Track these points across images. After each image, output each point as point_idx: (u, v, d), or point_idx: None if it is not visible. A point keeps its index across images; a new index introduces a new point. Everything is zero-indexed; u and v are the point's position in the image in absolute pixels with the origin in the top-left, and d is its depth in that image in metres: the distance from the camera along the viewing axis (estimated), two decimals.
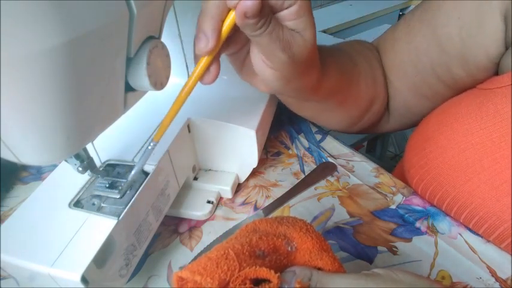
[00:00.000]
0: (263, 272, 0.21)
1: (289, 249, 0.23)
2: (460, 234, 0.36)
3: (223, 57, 0.33)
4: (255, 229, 0.25)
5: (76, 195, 0.30)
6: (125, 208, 0.28)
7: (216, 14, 0.26)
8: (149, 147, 0.29)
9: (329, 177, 0.43)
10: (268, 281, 0.21)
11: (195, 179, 0.42)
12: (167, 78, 0.26)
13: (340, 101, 0.42)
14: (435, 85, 0.42)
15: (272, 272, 0.21)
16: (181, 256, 0.36)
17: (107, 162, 0.33)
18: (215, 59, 0.28)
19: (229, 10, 0.26)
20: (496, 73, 0.36)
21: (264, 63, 0.30)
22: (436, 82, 0.41)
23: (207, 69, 0.28)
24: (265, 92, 0.34)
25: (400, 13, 1.70)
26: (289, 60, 0.29)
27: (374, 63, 0.45)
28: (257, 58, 0.30)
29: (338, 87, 0.40)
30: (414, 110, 0.46)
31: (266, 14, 0.25)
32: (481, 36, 0.35)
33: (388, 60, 0.46)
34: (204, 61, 0.27)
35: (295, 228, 0.24)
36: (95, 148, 0.31)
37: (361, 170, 0.44)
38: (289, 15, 0.27)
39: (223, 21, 0.26)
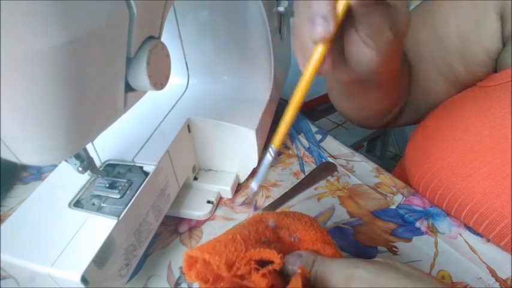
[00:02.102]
0: (267, 253, 0.22)
1: (292, 239, 0.25)
2: (460, 234, 0.36)
3: (225, 57, 0.33)
4: (261, 219, 0.26)
5: (76, 195, 0.30)
6: (125, 208, 0.28)
7: None
8: (270, 157, 0.26)
9: (329, 177, 0.43)
10: (272, 263, 0.22)
11: (195, 179, 0.42)
12: (167, 78, 0.26)
13: (387, 91, 0.42)
14: (437, 81, 0.42)
15: (275, 252, 0.22)
16: (181, 256, 0.36)
17: (107, 162, 0.33)
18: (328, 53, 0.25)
19: None
20: (495, 69, 0.37)
21: (366, 45, 0.28)
22: (438, 78, 0.42)
23: (324, 60, 0.25)
24: (344, 79, 0.32)
25: None
26: (393, 39, 0.27)
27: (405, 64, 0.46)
28: (356, 42, 0.28)
29: (394, 75, 0.39)
30: (416, 104, 0.47)
31: None
32: (478, 33, 0.36)
33: None
34: (320, 50, 0.24)
35: (301, 222, 0.26)
36: (95, 148, 0.31)
37: (361, 170, 0.44)
38: None
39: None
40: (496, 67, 0.37)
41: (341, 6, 0.24)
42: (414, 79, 0.45)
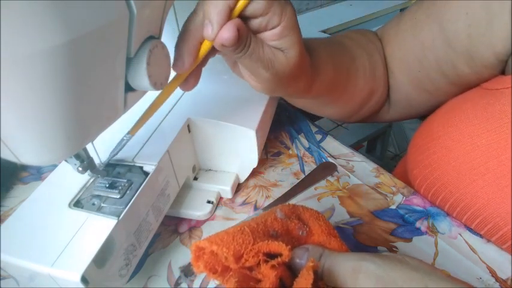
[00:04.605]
0: (275, 246, 0.22)
1: (300, 233, 0.25)
2: (460, 234, 0.36)
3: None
4: (272, 210, 0.26)
5: (76, 195, 0.30)
6: (125, 208, 0.28)
7: (193, 40, 0.27)
8: (124, 139, 0.29)
9: (329, 177, 0.43)
10: (280, 255, 0.22)
11: (195, 179, 0.42)
12: (167, 78, 0.26)
13: (335, 97, 0.42)
14: (438, 80, 0.41)
15: (283, 245, 0.22)
16: (181, 256, 0.36)
17: (107, 162, 0.33)
18: (195, 72, 0.30)
19: None
20: (502, 71, 0.36)
21: (249, 76, 0.31)
22: (440, 78, 0.40)
23: (186, 79, 0.29)
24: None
25: None
26: (272, 77, 0.29)
27: (375, 56, 0.45)
28: (243, 70, 0.31)
29: (333, 85, 0.40)
30: (415, 102, 0.46)
31: (244, 40, 0.26)
32: (489, 34, 0.34)
33: (391, 53, 0.45)
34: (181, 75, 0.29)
35: (306, 215, 0.26)
36: (95, 148, 0.31)
37: (361, 170, 0.44)
38: (272, 35, 0.28)
39: (201, 43, 0.27)
40: (503, 69, 0.35)
41: (204, 48, 0.27)
42: (412, 78, 0.43)
